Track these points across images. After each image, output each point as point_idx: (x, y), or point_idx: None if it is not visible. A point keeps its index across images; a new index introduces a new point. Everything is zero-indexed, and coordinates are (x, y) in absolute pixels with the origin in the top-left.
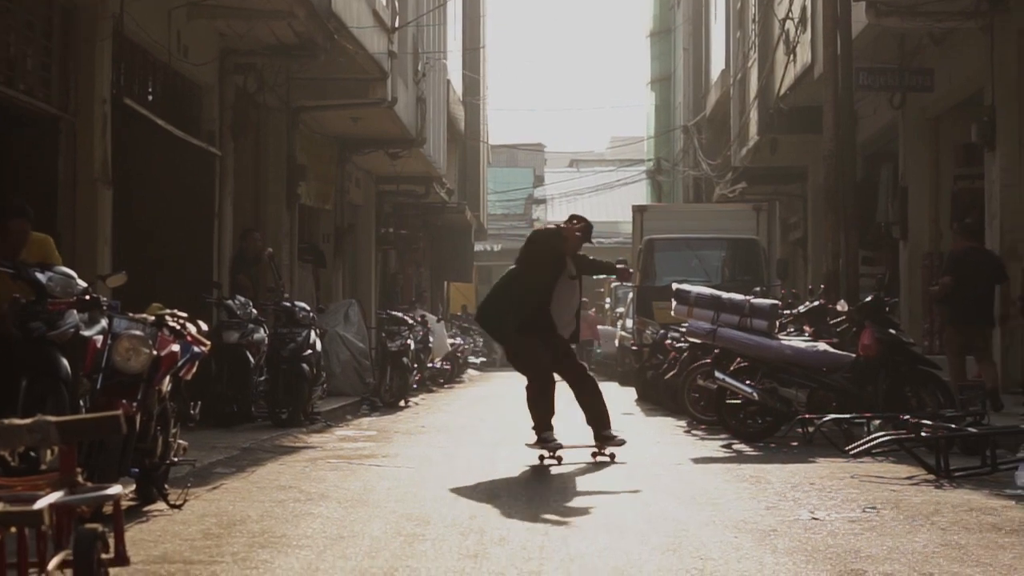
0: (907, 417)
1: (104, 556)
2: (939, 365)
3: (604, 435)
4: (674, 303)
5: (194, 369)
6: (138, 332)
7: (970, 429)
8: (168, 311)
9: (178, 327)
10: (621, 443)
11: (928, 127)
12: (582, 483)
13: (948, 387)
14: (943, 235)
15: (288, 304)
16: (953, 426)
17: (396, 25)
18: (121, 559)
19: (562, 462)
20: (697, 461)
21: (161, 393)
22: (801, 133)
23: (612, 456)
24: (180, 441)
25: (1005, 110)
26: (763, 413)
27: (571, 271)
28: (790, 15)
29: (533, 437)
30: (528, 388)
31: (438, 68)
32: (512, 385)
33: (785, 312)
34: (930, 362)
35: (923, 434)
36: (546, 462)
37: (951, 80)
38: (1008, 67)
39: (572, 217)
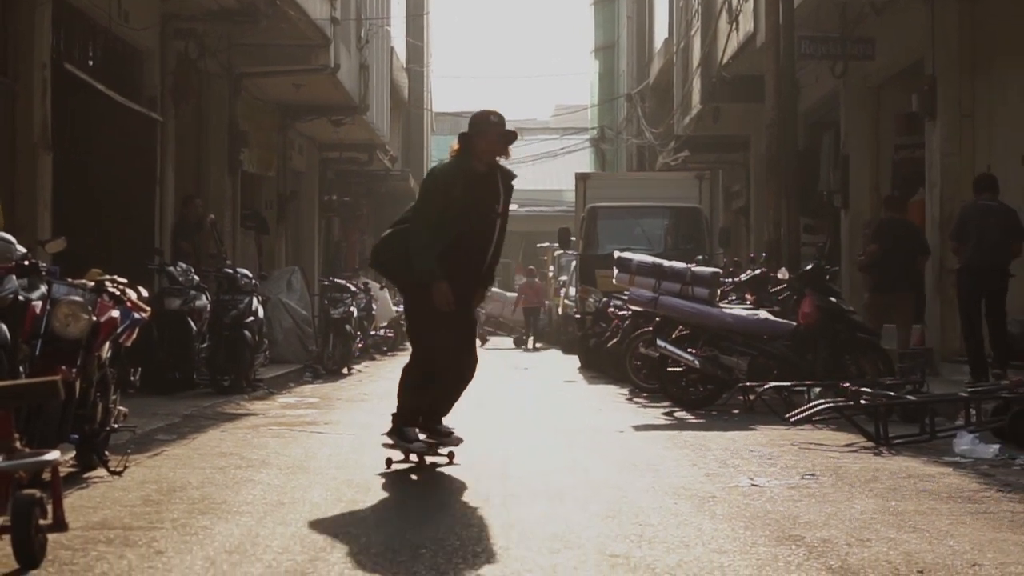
0: (847, 385)
1: (42, 522)
2: (878, 333)
3: (440, 429)
4: (616, 271)
5: (134, 335)
6: (77, 298)
7: (909, 397)
8: (108, 277)
9: (118, 293)
10: (458, 442)
11: (870, 96)
12: (523, 451)
13: (887, 355)
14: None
15: (230, 271)
16: (892, 394)
17: None
18: (59, 525)
19: (420, 468)
20: (638, 428)
21: (101, 359)
22: (744, 102)
23: (451, 456)
24: (120, 408)
25: (945, 80)
26: (704, 381)
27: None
28: None
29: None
30: (408, 367)
31: (381, 35)
32: None
33: (727, 280)
34: (870, 330)
35: (862, 402)
36: (395, 467)
37: (892, 49)
38: (948, 37)
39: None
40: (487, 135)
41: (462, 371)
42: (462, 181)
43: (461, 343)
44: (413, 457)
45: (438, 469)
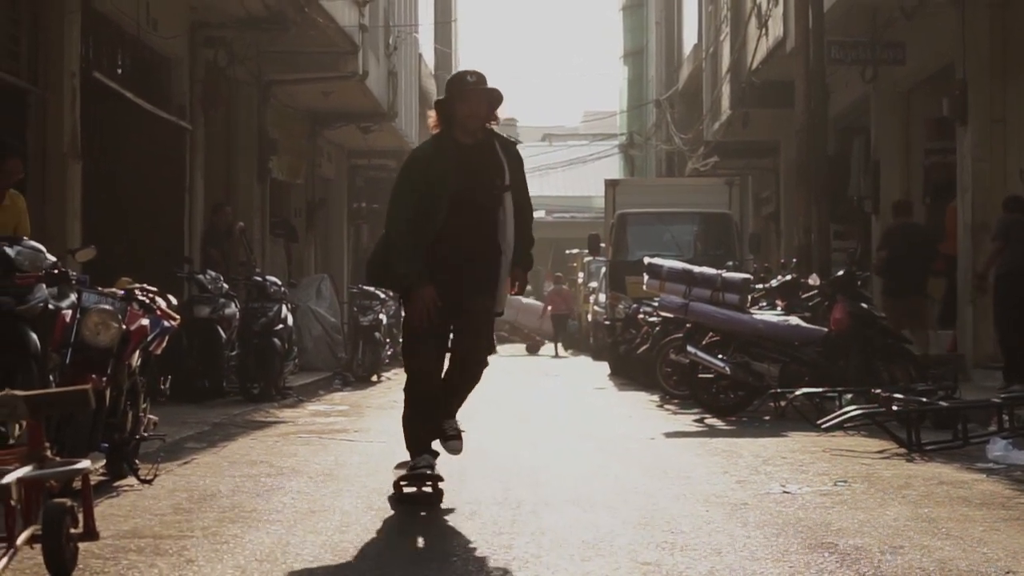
0: (879, 391)
1: (73, 531)
2: (910, 339)
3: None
4: (646, 277)
5: (164, 344)
6: (107, 306)
7: (941, 403)
8: (137, 285)
9: (148, 301)
10: (456, 449)
11: (900, 101)
12: (554, 458)
13: (919, 361)
14: (916, 209)
15: (259, 279)
16: (924, 400)
17: None
18: (90, 534)
19: (436, 494)
20: (669, 435)
21: (131, 368)
22: (773, 107)
23: (435, 482)
24: (150, 416)
25: (976, 85)
26: (735, 387)
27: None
28: None
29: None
30: (405, 388)
31: (409, 42)
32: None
33: (757, 286)
34: (901, 336)
35: (894, 408)
36: (406, 490)
37: (923, 54)
38: (979, 40)
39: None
40: (467, 98)
41: (465, 369)
42: (446, 158)
43: (463, 341)
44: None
45: (470, 475)
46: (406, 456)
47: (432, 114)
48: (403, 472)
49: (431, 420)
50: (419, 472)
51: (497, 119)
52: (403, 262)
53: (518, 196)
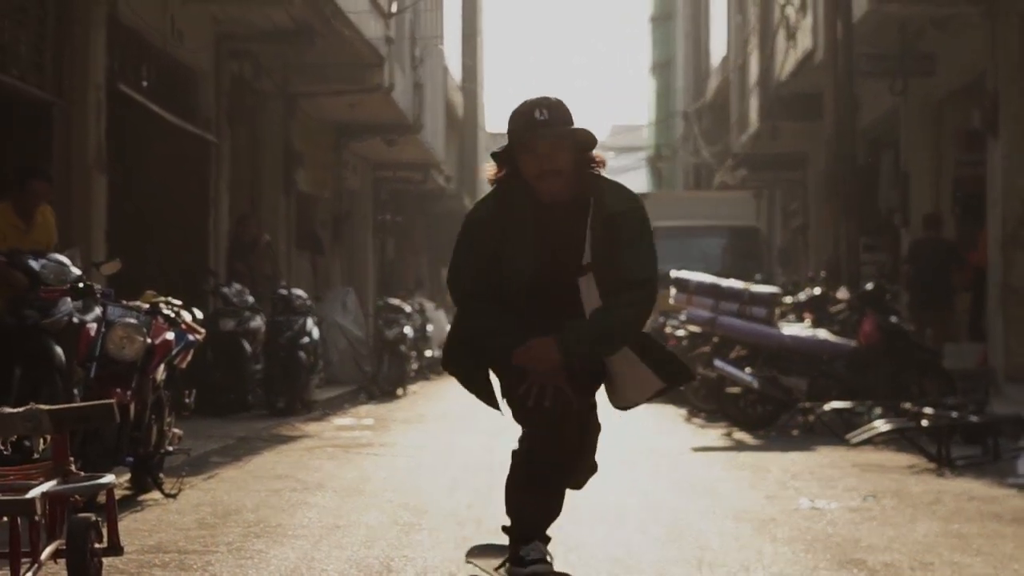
0: (908, 405)
1: (97, 546)
2: (940, 353)
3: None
4: (673, 291)
5: (189, 357)
6: (132, 320)
7: (972, 417)
8: (163, 298)
9: (173, 315)
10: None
11: (930, 113)
12: None
13: (949, 375)
14: (945, 221)
15: (285, 292)
16: (954, 414)
17: (393, 10)
18: (115, 549)
19: None
20: (697, 450)
21: (156, 381)
22: (802, 120)
23: None
24: (175, 430)
25: (1008, 96)
26: (763, 402)
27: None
28: (790, 0)
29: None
30: (518, 456)
31: (435, 54)
32: None
33: (785, 300)
34: (931, 350)
35: (924, 423)
36: None
37: (953, 65)
38: (1010, 52)
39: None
40: (536, 147)
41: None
42: (516, 229)
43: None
44: None
45: None
46: (432, 471)
47: (491, 171)
48: (499, 563)
49: (552, 495)
50: (536, 571)
51: (598, 163)
52: (496, 335)
53: (606, 274)
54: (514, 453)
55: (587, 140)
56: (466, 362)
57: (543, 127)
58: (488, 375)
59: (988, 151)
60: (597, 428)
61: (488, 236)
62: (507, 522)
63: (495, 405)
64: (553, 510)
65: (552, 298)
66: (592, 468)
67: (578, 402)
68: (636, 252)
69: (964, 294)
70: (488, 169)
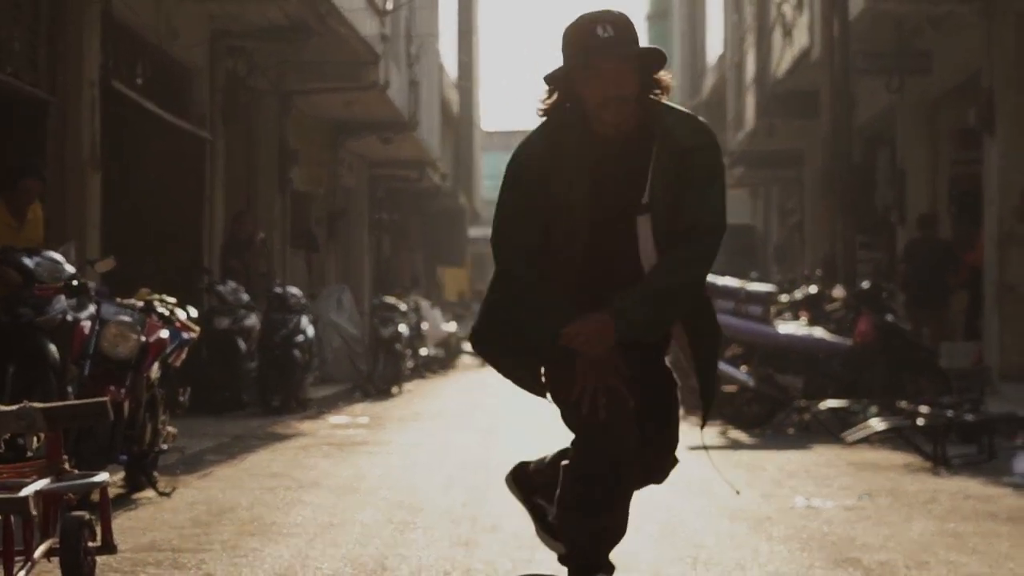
0: (904, 404)
1: (91, 544)
2: (936, 351)
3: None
4: None
5: (184, 355)
6: (127, 318)
7: (967, 416)
8: (157, 296)
9: (167, 313)
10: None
11: (926, 111)
12: None
13: (945, 374)
14: (941, 220)
15: (280, 290)
16: (950, 413)
17: (388, 7)
18: (108, 547)
19: None
20: (692, 448)
21: (150, 380)
22: (798, 117)
23: None
24: (169, 428)
25: (1004, 94)
26: (759, 400)
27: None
28: None
29: None
30: (569, 472)
31: (431, 51)
32: None
33: (781, 298)
34: (927, 348)
35: (920, 421)
36: None
37: (950, 63)
38: (1006, 50)
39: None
40: (599, 67)
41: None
42: (571, 164)
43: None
44: None
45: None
46: (427, 469)
47: (544, 100)
48: None
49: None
50: None
51: (664, 88)
52: (542, 316)
53: (664, 221)
54: (564, 468)
55: (657, 60)
56: (502, 342)
57: (608, 46)
58: (529, 357)
59: (984, 149)
60: (677, 420)
61: (538, 177)
62: (546, 547)
63: (539, 391)
64: (615, 532)
65: (606, 245)
66: (674, 462)
67: (635, 400)
68: (706, 195)
69: (961, 293)
70: (541, 100)
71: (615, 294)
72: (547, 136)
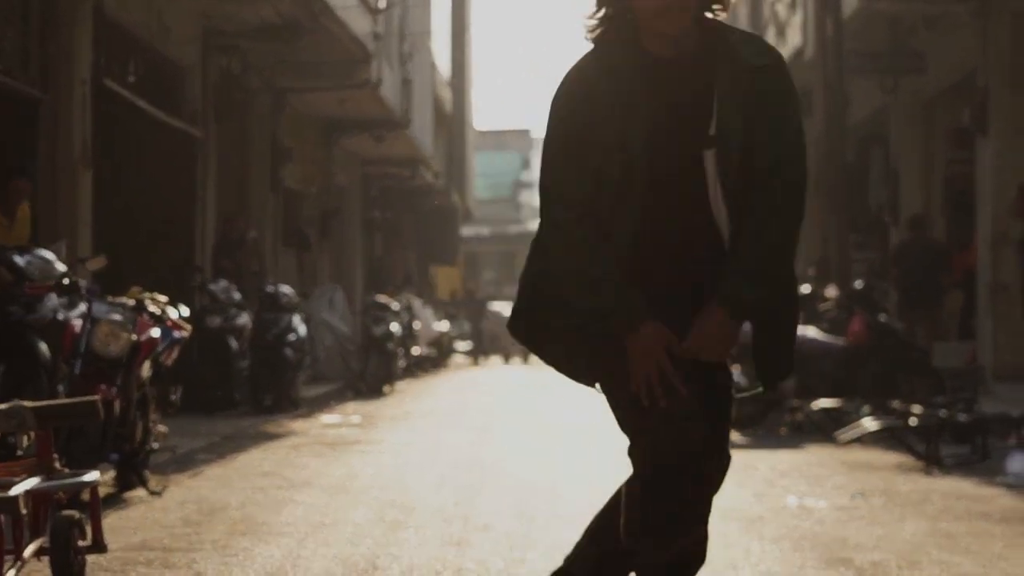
0: (896, 404)
1: (81, 543)
2: (929, 351)
3: None
4: None
5: (175, 354)
6: (118, 317)
7: (960, 416)
8: (148, 295)
9: (158, 311)
10: None
11: (920, 111)
12: (571, 470)
13: (939, 374)
14: (935, 220)
15: (271, 288)
16: (943, 413)
17: (381, 6)
18: (99, 546)
19: None
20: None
21: (141, 378)
22: None
23: None
24: (160, 427)
25: (998, 94)
26: (751, 400)
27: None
28: None
29: None
30: (634, 486)
31: (424, 50)
32: (500, 372)
33: None
34: (920, 348)
35: (912, 421)
36: None
37: (944, 63)
38: (1001, 50)
39: None
40: None
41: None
42: (627, 88)
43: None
44: None
45: None
46: (419, 468)
47: (592, 12)
48: None
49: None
50: None
51: (724, 4)
52: (590, 289)
53: (737, 155)
54: (626, 489)
55: None
56: (548, 321)
57: None
58: (578, 338)
59: (978, 149)
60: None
61: (588, 108)
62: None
63: (588, 380)
64: (696, 557)
65: (670, 190)
66: (727, 462)
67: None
68: (783, 124)
69: (955, 293)
70: (589, 19)
71: (682, 252)
72: (595, 61)
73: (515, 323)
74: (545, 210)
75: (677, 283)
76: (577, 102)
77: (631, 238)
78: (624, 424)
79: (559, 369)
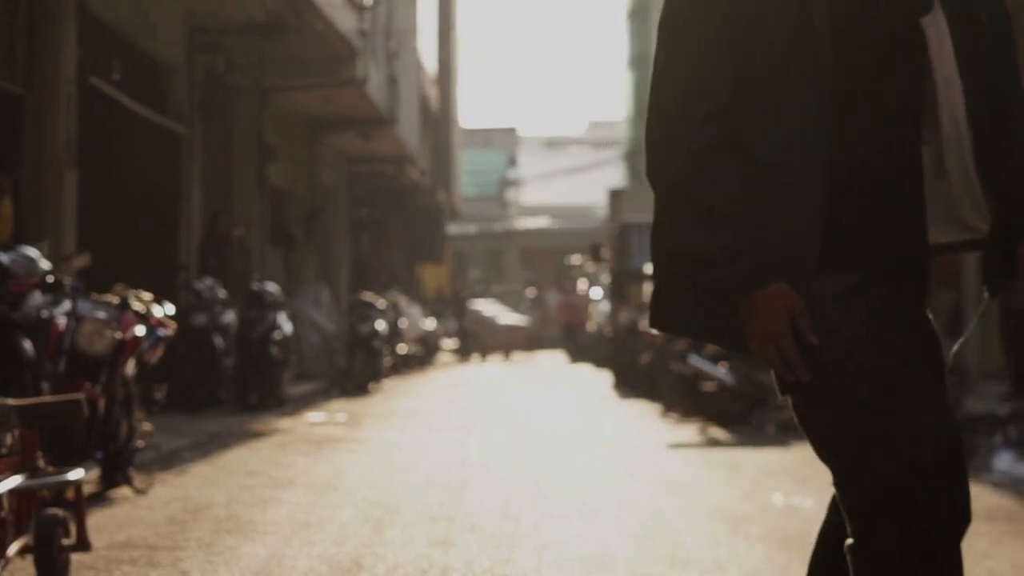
0: None
1: (65, 542)
2: None
3: None
4: (647, 286)
5: (160, 352)
6: (102, 314)
7: None
8: (133, 293)
9: (143, 309)
10: None
11: None
12: (555, 469)
13: None
14: None
15: (257, 287)
16: None
17: (367, 3)
18: (83, 545)
19: None
20: (672, 447)
21: (125, 377)
22: None
23: None
24: (145, 425)
25: None
26: (738, 398)
27: None
28: None
29: None
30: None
31: (410, 48)
32: (485, 371)
33: None
34: None
35: None
36: None
37: None
38: None
39: None
40: None
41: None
42: None
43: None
44: None
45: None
46: (405, 468)
47: None
48: None
49: None
50: None
51: None
52: (705, 226)
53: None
54: (851, 549)
55: None
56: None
57: None
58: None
59: None
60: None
61: None
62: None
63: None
64: None
65: (871, 78)
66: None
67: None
68: None
69: (946, 293)
70: None
71: (892, 164)
72: None
73: (655, 311)
74: (656, 118)
75: (891, 232)
76: None
77: (807, 159)
78: (835, 443)
79: (703, 337)
